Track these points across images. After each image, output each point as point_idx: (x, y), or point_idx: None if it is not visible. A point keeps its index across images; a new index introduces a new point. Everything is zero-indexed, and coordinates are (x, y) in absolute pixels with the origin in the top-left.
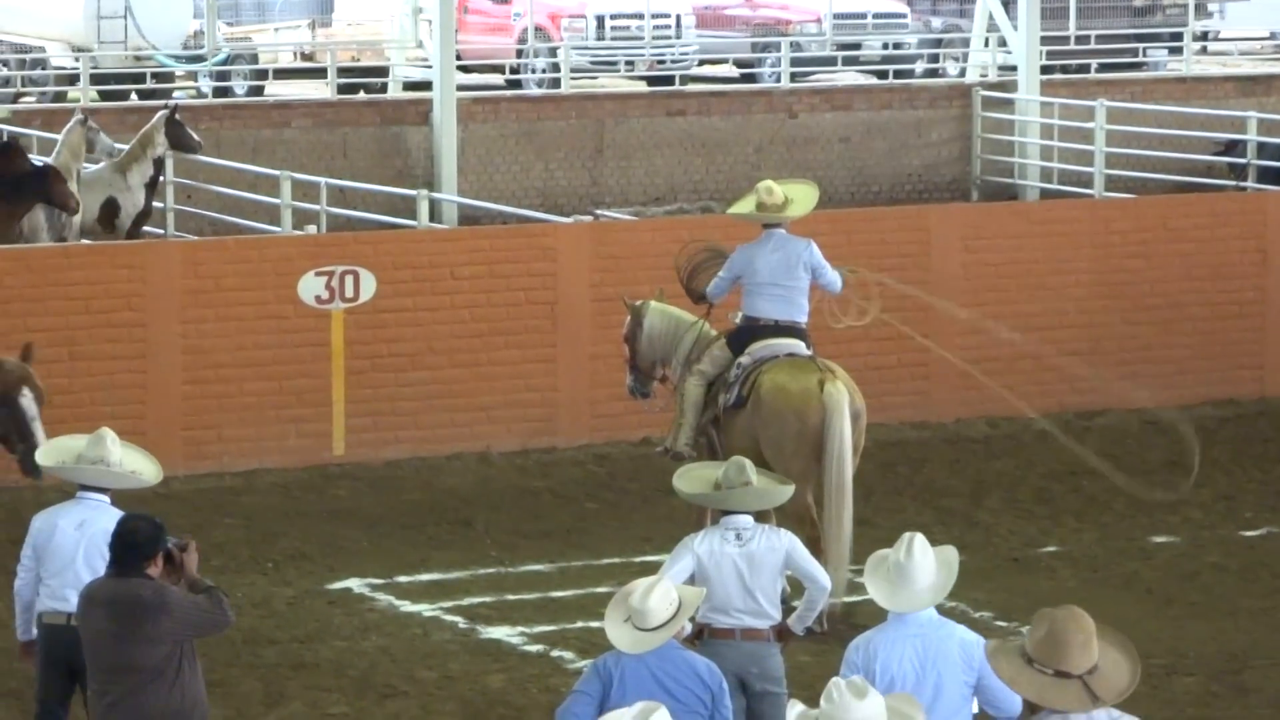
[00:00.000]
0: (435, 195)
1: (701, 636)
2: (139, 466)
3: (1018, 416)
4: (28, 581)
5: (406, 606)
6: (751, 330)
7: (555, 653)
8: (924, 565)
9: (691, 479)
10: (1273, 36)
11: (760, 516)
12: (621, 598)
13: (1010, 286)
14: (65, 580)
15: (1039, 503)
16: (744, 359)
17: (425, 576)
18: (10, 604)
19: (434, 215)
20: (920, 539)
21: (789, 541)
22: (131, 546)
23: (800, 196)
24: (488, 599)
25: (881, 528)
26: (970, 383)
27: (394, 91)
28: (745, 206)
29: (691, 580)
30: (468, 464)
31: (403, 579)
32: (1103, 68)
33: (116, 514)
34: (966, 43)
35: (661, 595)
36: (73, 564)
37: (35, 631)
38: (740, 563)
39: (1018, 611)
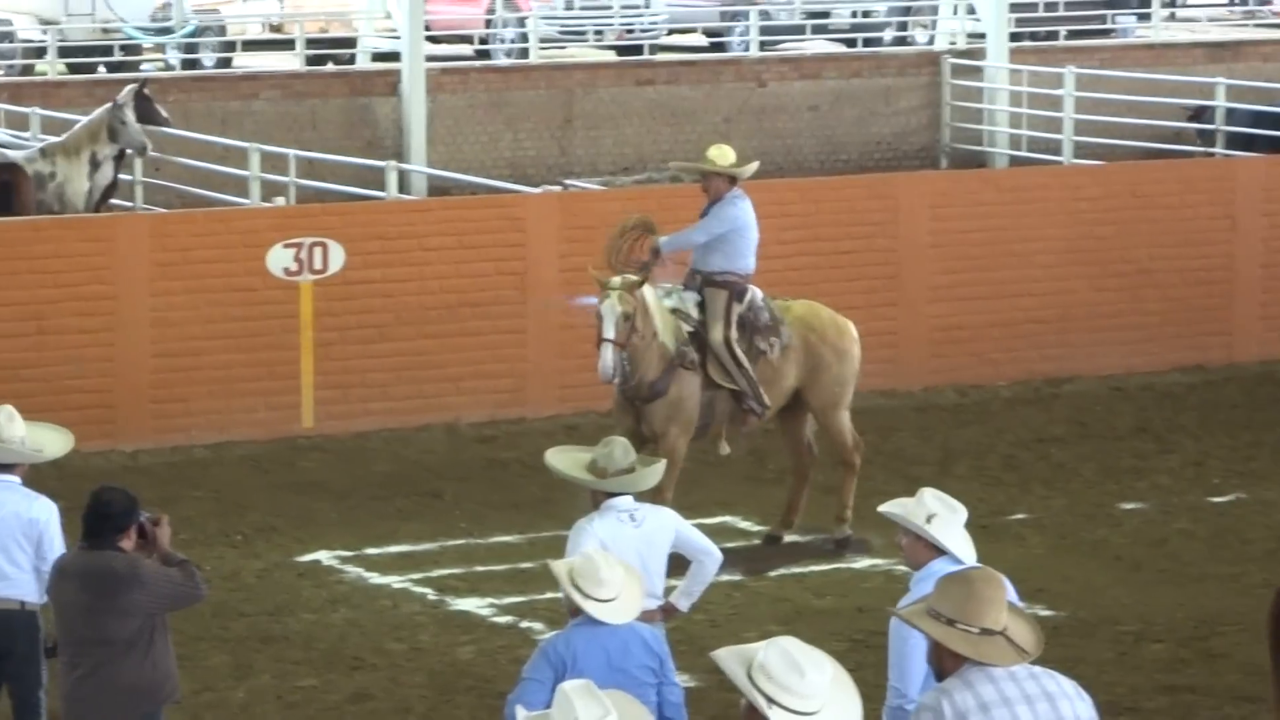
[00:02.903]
0: (404, 166)
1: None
2: (44, 442)
3: (986, 384)
4: None
5: (375, 579)
6: (743, 283)
7: (525, 624)
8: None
9: (567, 460)
10: (1241, 2)
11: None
12: (579, 574)
13: (979, 253)
14: None
15: (1008, 470)
16: (768, 309)
17: (394, 548)
18: None
19: (403, 186)
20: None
21: (676, 519)
22: (105, 519)
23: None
24: (457, 571)
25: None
26: (940, 351)
27: (362, 63)
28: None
29: None
30: (436, 435)
31: (372, 551)
32: (1071, 35)
33: (28, 494)
34: (935, 10)
35: (610, 563)
36: None
37: None
38: (639, 544)
39: None
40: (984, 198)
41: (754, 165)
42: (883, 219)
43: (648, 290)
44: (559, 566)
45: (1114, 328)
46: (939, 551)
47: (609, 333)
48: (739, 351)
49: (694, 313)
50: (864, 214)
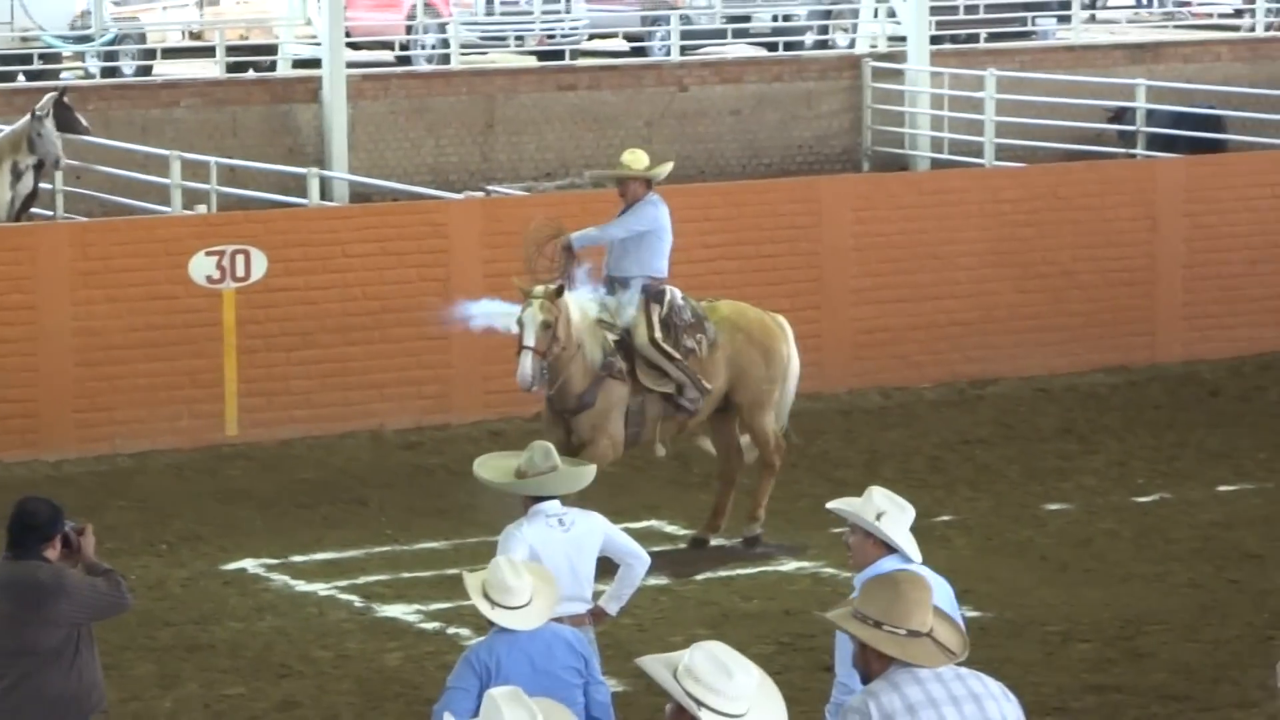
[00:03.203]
0: (326, 173)
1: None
2: None
3: (910, 386)
4: None
5: (302, 586)
6: (656, 285)
7: (451, 630)
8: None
9: (492, 468)
10: (1160, 4)
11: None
12: (490, 585)
13: (901, 256)
14: None
15: (933, 472)
16: (689, 307)
17: (320, 556)
18: None
19: (325, 193)
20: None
21: (604, 522)
22: (30, 529)
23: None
24: (383, 577)
25: (776, 498)
26: (863, 353)
27: (283, 69)
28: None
29: None
30: (361, 442)
31: (298, 559)
32: (992, 37)
33: None
34: (856, 14)
35: (518, 570)
36: None
37: None
38: (569, 549)
39: None
40: (906, 200)
41: (668, 166)
42: (805, 222)
43: (571, 300)
44: (471, 580)
45: (1037, 329)
46: (888, 549)
47: (529, 340)
48: (668, 348)
49: (618, 319)
50: (786, 218)
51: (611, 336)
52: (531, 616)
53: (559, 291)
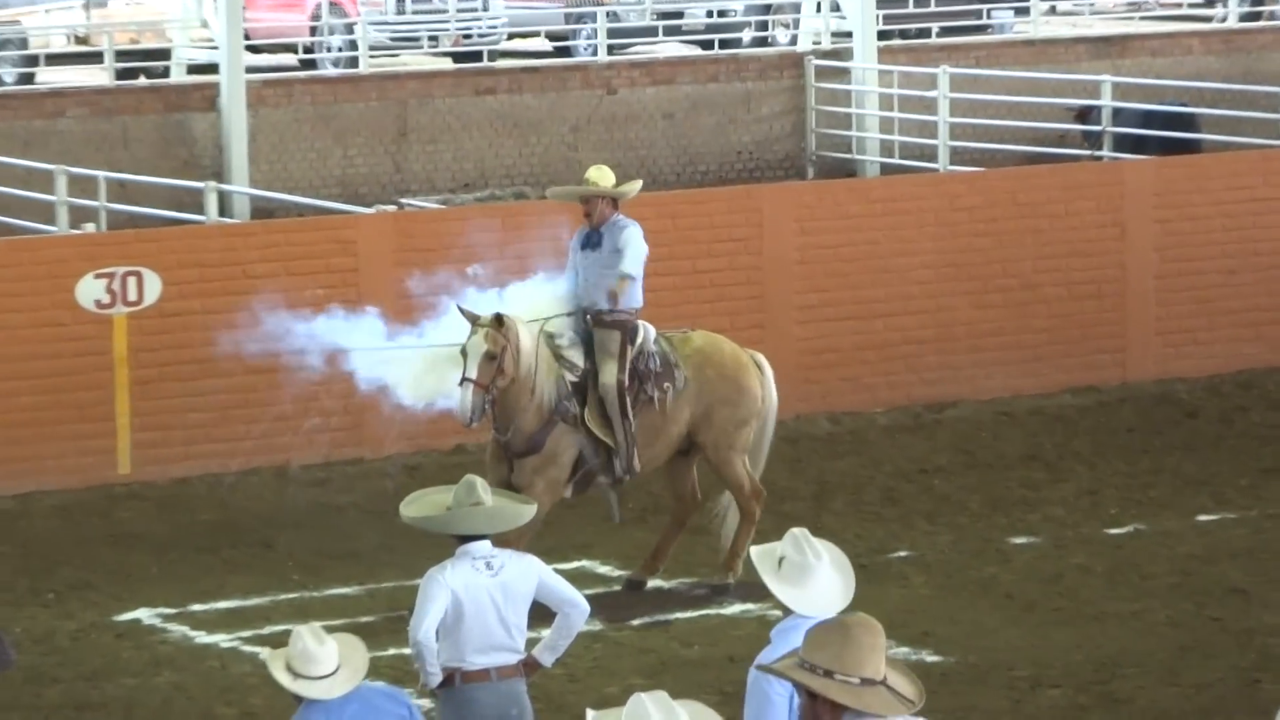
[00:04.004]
0: (224, 187)
1: (452, 683)
2: None
3: (862, 411)
4: None
5: (202, 637)
6: (634, 320)
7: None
8: (826, 565)
9: (423, 504)
10: None
11: (500, 540)
12: (292, 656)
13: (850, 270)
14: None
15: (887, 504)
16: (660, 351)
17: (222, 604)
18: None
19: (223, 209)
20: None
21: (539, 566)
22: None
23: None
24: (291, 627)
25: (715, 535)
26: (811, 376)
27: (177, 75)
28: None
29: (446, 618)
30: (265, 480)
31: (197, 608)
32: (945, 32)
33: None
34: (797, 8)
35: (320, 637)
36: None
37: None
38: (496, 594)
39: None
40: (854, 209)
41: (637, 184)
42: (746, 234)
43: (524, 332)
44: (273, 656)
45: (998, 347)
46: None
47: (470, 372)
48: (627, 402)
49: (579, 360)
50: (725, 229)
51: (570, 376)
52: (338, 684)
53: (499, 320)
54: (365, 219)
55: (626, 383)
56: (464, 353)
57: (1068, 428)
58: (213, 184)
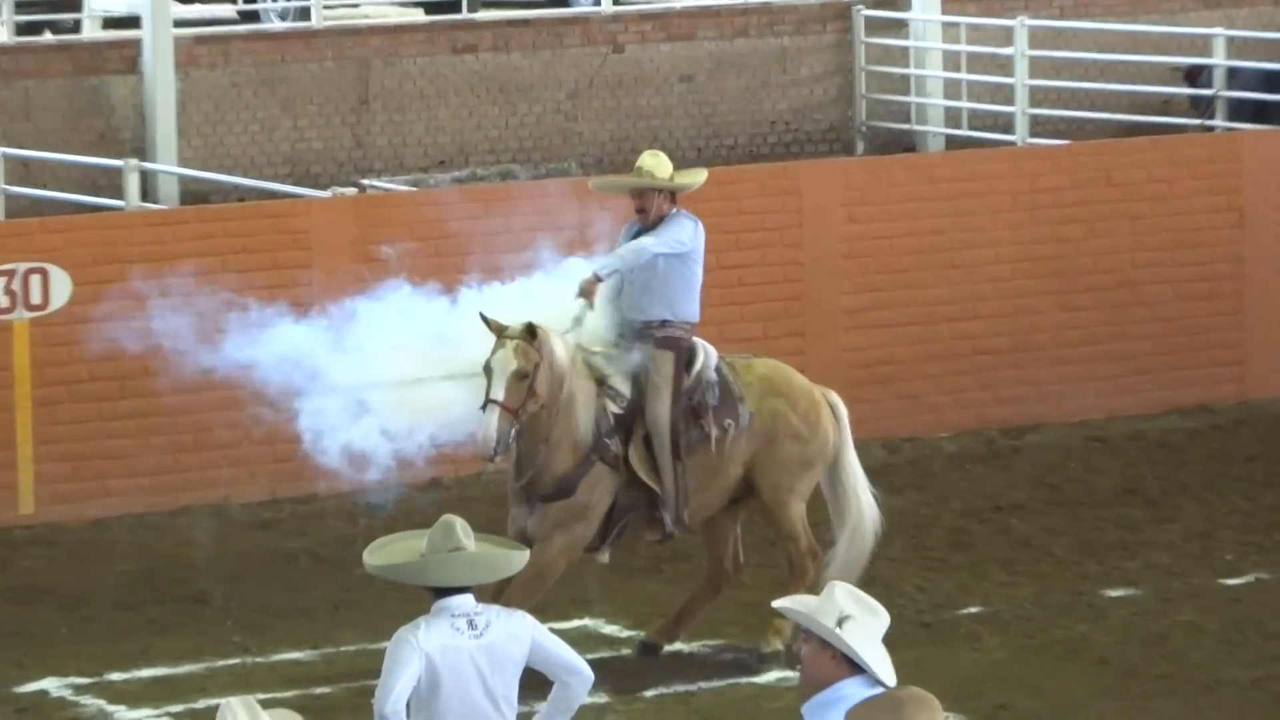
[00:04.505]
0: (148, 166)
1: None
2: None
3: (924, 436)
4: None
5: (123, 713)
6: (689, 337)
7: None
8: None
9: (391, 550)
10: None
11: (480, 592)
12: None
13: (909, 265)
14: None
15: (955, 549)
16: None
17: (146, 672)
18: None
19: (147, 193)
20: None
21: (532, 626)
22: None
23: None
24: (231, 698)
25: (747, 587)
26: (861, 394)
27: (91, 31)
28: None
29: (420, 688)
30: (199, 520)
31: (116, 676)
32: None
33: None
34: None
35: (254, 711)
36: None
37: None
38: (480, 659)
39: (932, 692)
40: (913, 191)
41: (700, 175)
42: (782, 222)
43: (559, 347)
44: None
45: (1089, 359)
46: (852, 667)
47: (497, 393)
48: (681, 441)
49: (624, 388)
50: (756, 216)
51: (613, 407)
52: None
53: (531, 331)
54: (319, 205)
55: (680, 417)
56: (488, 369)
57: (1174, 456)
58: (134, 162)
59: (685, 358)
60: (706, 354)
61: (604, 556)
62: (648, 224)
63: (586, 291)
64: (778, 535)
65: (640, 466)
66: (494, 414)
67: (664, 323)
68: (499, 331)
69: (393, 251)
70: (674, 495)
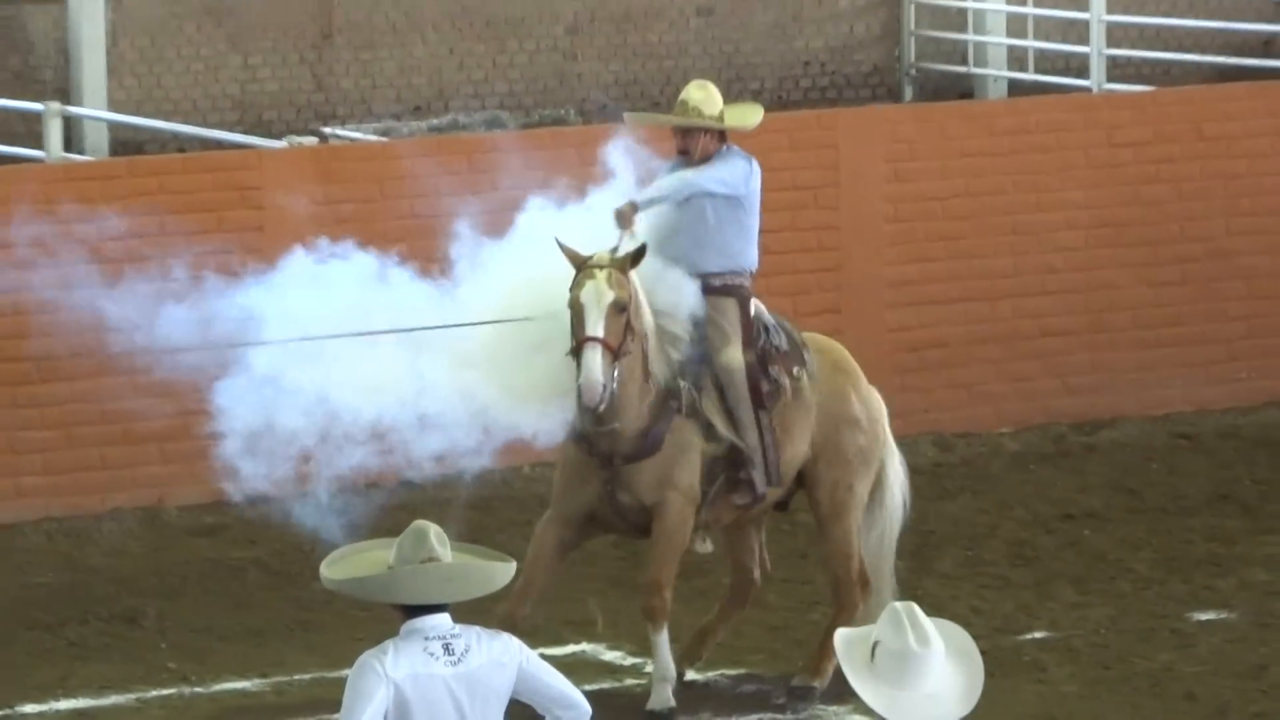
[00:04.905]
0: (73, 110)
1: None
2: None
3: (982, 431)
4: None
5: None
6: (749, 287)
7: None
8: (938, 656)
9: (354, 562)
10: None
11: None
12: None
13: (964, 231)
14: None
15: (1018, 564)
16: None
17: (65, 704)
18: None
19: (71, 141)
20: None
21: (519, 650)
22: None
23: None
24: None
25: (772, 608)
26: (909, 381)
27: None
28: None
29: None
30: (130, 526)
31: (30, 709)
32: None
33: None
34: None
35: None
36: None
37: None
38: (456, 689)
39: None
40: (970, 145)
41: (757, 112)
42: (816, 179)
43: (636, 279)
44: None
45: (1175, 341)
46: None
47: (595, 329)
48: (761, 389)
49: (683, 333)
50: (787, 173)
51: (675, 355)
52: None
53: (637, 257)
54: (273, 156)
55: (755, 364)
56: (578, 305)
57: (1275, 456)
58: (56, 106)
59: (744, 304)
60: (757, 303)
61: (706, 545)
62: (692, 165)
63: (624, 219)
64: (828, 552)
65: (717, 417)
66: (595, 352)
67: (724, 272)
68: (580, 263)
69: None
70: (759, 450)
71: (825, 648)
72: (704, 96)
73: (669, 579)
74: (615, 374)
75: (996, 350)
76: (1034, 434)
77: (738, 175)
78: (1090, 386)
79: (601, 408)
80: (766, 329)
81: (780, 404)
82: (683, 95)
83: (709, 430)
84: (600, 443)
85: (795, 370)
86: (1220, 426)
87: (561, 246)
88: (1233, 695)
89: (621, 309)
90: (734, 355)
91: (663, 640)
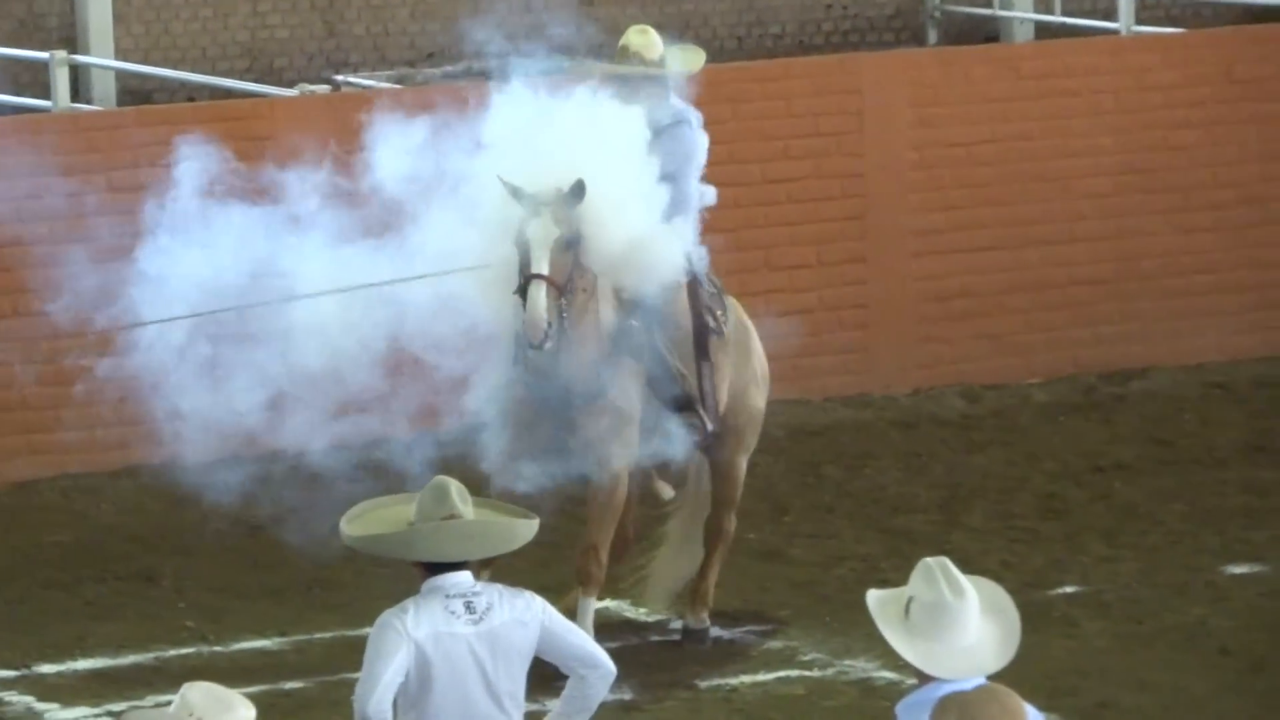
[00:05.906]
0: (80, 59)
1: None
2: None
3: (1010, 383)
4: None
5: (55, 712)
6: None
7: None
8: (973, 608)
9: (374, 518)
10: None
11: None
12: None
13: (991, 178)
14: None
15: (1047, 517)
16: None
17: (83, 664)
18: None
19: (79, 91)
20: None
21: (541, 608)
22: None
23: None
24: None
25: (798, 563)
26: (934, 331)
27: None
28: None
29: (408, 682)
30: (145, 483)
31: (47, 669)
32: None
33: None
34: None
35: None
36: None
37: None
38: (479, 648)
39: (1023, 687)
40: (996, 89)
41: (699, 56)
42: (839, 126)
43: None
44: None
45: (1208, 290)
46: None
47: (539, 265)
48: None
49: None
50: (809, 119)
51: (625, 294)
52: None
53: (578, 191)
54: (284, 104)
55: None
56: (523, 243)
57: None
58: (62, 55)
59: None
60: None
61: (667, 490)
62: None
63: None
64: (721, 498)
65: (672, 358)
66: (540, 290)
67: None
68: (521, 196)
69: None
70: (706, 388)
71: (705, 577)
72: (644, 42)
73: (605, 541)
74: (563, 310)
75: (1024, 299)
76: (1063, 385)
77: (696, 148)
78: (1120, 336)
79: (546, 345)
80: (701, 277)
81: (717, 345)
82: (623, 40)
83: (662, 370)
84: (545, 385)
85: (719, 314)
86: (1254, 375)
87: (505, 183)
88: (1268, 649)
89: (568, 246)
90: (681, 297)
91: (589, 606)
